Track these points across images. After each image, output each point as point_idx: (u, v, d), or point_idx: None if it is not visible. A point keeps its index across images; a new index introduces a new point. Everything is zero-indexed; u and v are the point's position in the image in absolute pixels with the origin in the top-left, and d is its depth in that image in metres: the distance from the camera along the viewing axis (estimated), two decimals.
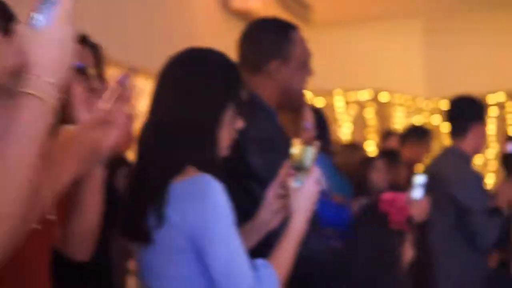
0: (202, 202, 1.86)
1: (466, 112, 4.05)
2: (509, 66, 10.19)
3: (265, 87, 2.51)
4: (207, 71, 1.98)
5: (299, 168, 2.10)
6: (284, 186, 2.11)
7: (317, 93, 10.19)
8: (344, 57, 10.25)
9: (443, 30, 10.47)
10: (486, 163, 9.92)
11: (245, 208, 2.18)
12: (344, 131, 10.11)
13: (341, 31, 10.34)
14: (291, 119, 3.02)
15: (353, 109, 10.21)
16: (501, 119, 10.20)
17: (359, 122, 10.13)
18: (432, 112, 9.93)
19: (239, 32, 2.62)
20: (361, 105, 10.20)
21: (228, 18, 8.11)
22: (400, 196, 2.60)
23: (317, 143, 2.13)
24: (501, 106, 10.28)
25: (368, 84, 10.16)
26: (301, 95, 2.58)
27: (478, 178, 4.03)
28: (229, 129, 1.99)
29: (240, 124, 2.03)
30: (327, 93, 10.23)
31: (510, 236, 4.29)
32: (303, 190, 2.07)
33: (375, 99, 10.19)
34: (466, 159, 4.02)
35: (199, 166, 1.92)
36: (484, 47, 10.39)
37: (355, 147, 6.19)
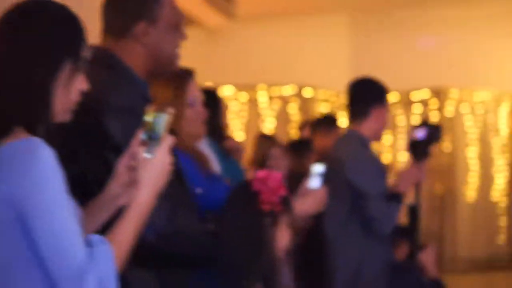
0: (27, 167, 1.65)
1: (367, 95, 3.92)
2: (433, 63, 10.19)
3: (132, 52, 2.31)
4: (40, 23, 1.78)
5: (152, 138, 1.90)
6: (136, 157, 1.91)
7: (240, 88, 10.05)
8: (268, 52, 10.13)
9: (369, 26, 10.43)
10: None
11: (103, 180, 1.99)
12: (267, 126, 10.00)
13: (265, 25, 10.21)
14: (174, 93, 2.83)
15: (277, 104, 10.12)
16: (425, 116, 10.21)
17: (283, 117, 10.04)
18: None
19: None
20: (285, 100, 10.11)
21: None
22: (275, 175, 2.40)
23: (170, 110, 1.92)
24: (425, 103, 10.28)
25: (292, 79, 10.07)
26: (173, 60, 2.38)
27: (375, 162, 3.90)
28: (67, 89, 1.79)
29: (83, 85, 1.83)
30: (251, 88, 10.11)
31: (417, 226, 4.18)
32: (153, 161, 1.87)
33: (298, 95, 10.11)
34: (364, 143, 3.88)
35: (28, 128, 1.71)
36: (409, 43, 10.38)
37: (270, 138, 6.13)
